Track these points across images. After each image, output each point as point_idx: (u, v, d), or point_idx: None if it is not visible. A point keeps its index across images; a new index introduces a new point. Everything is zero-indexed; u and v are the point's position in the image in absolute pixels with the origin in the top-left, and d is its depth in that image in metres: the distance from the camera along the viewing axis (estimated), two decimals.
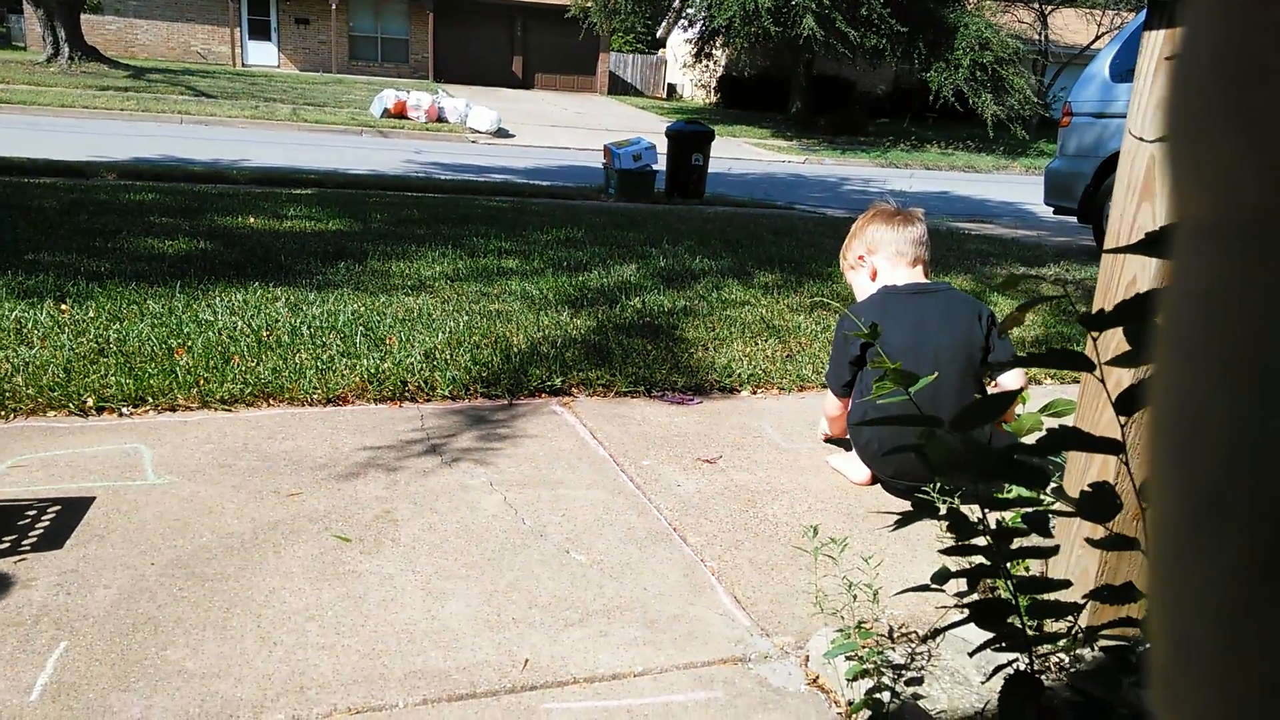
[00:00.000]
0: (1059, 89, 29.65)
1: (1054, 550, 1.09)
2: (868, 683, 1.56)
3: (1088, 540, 1.04)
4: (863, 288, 2.73)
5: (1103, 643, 1.10)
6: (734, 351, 3.48)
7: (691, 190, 10.15)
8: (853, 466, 2.54)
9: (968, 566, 1.10)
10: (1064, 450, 0.79)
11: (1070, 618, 1.08)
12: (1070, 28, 30.59)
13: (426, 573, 1.90)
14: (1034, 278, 4.99)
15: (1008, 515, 1.33)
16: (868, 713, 1.51)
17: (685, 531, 2.17)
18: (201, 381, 2.74)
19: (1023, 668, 1.13)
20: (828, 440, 2.81)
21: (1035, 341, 3.96)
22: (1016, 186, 16.65)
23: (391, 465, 2.41)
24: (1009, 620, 1.06)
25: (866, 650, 1.57)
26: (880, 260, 2.69)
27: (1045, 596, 1.04)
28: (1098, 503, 0.80)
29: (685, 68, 30.10)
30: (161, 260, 4.19)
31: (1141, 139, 1.44)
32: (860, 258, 2.74)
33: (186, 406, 2.67)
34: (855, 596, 1.70)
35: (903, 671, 1.66)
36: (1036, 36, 28.74)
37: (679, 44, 32.12)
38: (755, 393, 3.25)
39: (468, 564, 1.94)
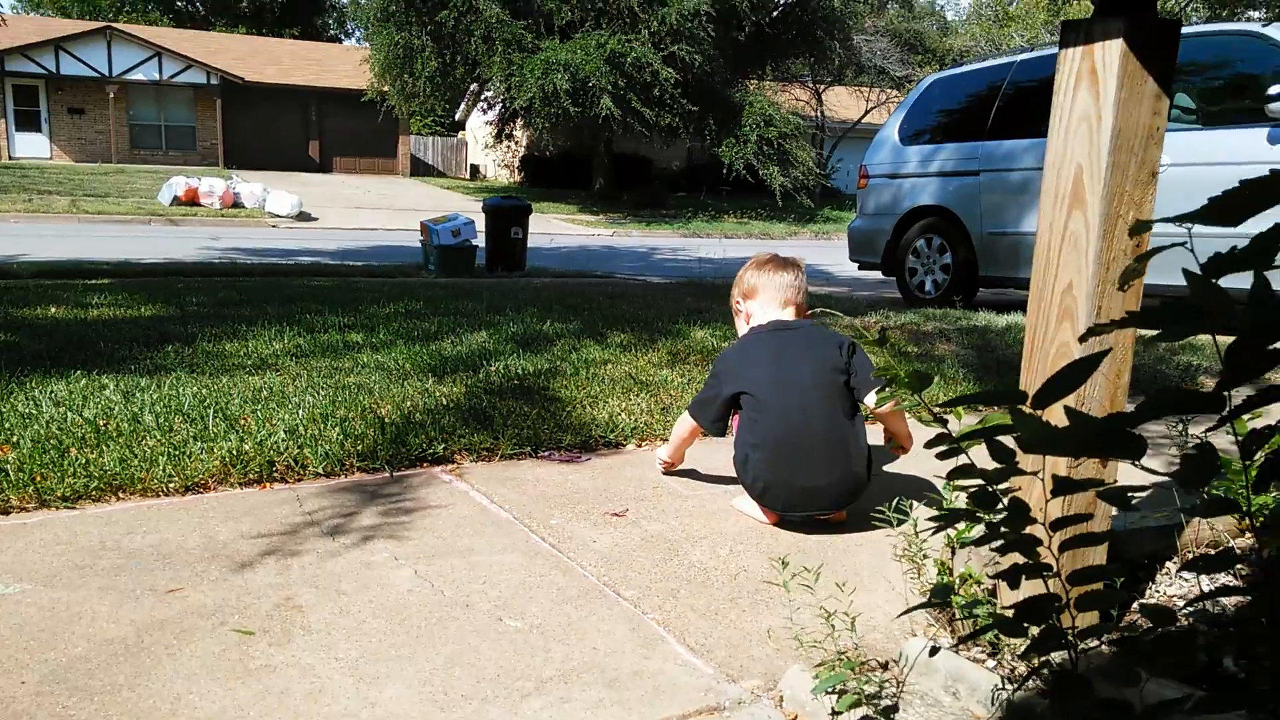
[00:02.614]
0: (836, 160, 31.94)
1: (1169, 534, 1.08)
2: (855, 715, 1.51)
3: (1188, 509, 1.04)
4: (740, 331, 2.78)
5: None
6: (612, 407, 3.42)
7: (514, 263, 10.11)
8: (761, 509, 2.52)
9: (997, 562, 1.08)
10: (1169, 414, 0.77)
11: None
12: (842, 104, 33.12)
13: (351, 658, 1.70)
14: (892, 326, 5.22)
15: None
16: None
17: (617, 586, 2.06)
18: (38, 478, 2.40)
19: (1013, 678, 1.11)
20: (666, 471, 2.87)
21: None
22: (810, 250, 17.62)
23: (279, 550, 2.18)
24: (1055, 616, 1.05)
25: (855, 681, 1.52)
26: (754, 305, 2.75)
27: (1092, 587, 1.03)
28: (1199, 467, 0.79)
29: (487, 148, 30.32)
30: None
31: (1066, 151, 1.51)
32: (736, 303, 2.82)
33: (22, 508, 2.33)
34: (834, 627, 1.66)
35: (876, 701, 1.63)
36: (813, 113, 30.89)
37: (479, 125, 32.37)
38: (640, 445, 3.20)
39: (394, 644, 1.76)
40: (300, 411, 3.05)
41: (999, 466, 1.06)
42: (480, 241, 9.94)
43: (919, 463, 3.09)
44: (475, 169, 36.22)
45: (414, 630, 1.82)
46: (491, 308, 5.73)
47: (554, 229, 19.10)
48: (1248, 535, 1.98)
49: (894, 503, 2.30)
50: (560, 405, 3.41)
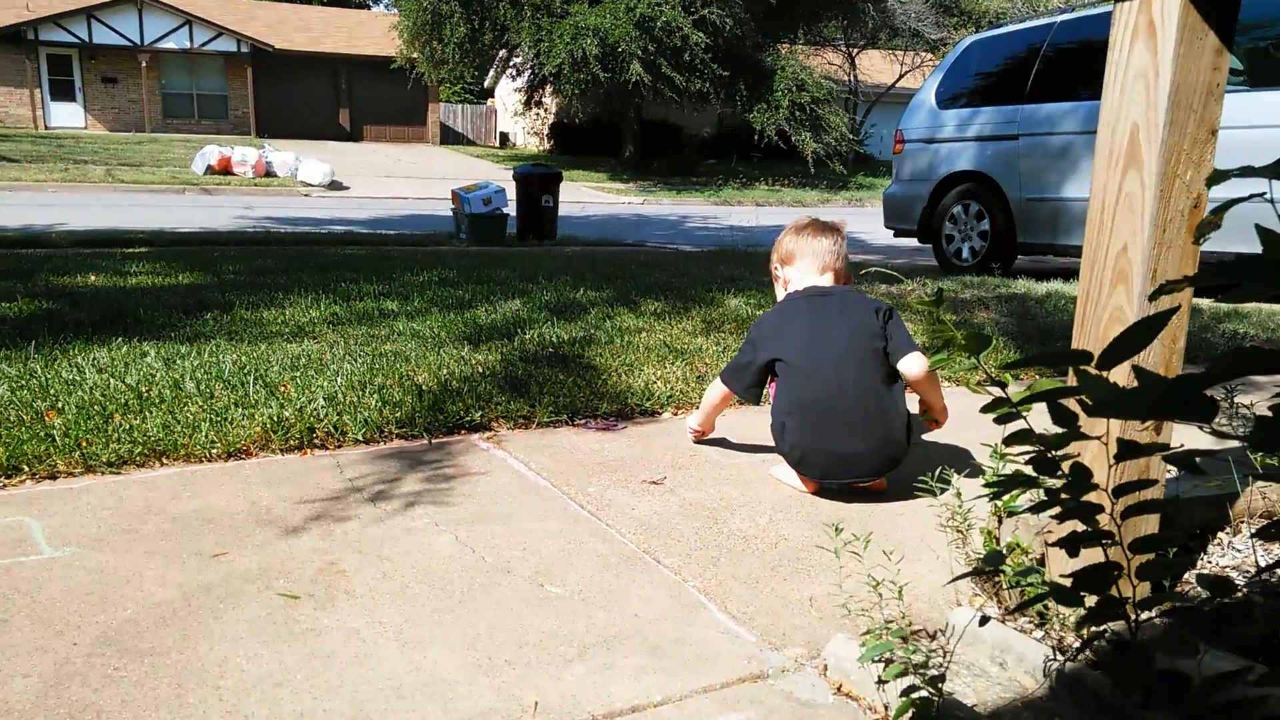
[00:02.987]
0: (870, 125, 31.50)
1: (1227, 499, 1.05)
2: (900, 684, 1.50)
3: (1262, 475, 1.01)
4: (779, 298, 2.76)
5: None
6: (647, 375, 3.41)
7: (544, 231, 10.09)
8: (798, 476, 2.50)
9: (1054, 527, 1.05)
10: (1243, 375, 0.74)
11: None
12: (876, 68, 32.61)
13: (395, 622, 1.71)
14: (940, 297, 5.16)
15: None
16: (910, 714, 1.44)
17: (657, 553, 2.06)
18: (84, 444, 2.43)
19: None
20: (697, 440, 2.85)
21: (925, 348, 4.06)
22: (843, 216, 17.41)
23: (321, 515, 2.19)
24: (1114, 585, 1.02)
25: (903, 650, 1.51)
26: (792, 271, 2.71)
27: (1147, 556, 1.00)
28: (1273, 427, 0.76)
29: (516, 116, 30.19)
30: (2, 323, 3.76)
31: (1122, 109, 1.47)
32: (775, 269, 2.80)
33: (69, 472, 2.36)
34: (881, 595, 1.64)
35: (923, 670, 1.61)
36: (846, 77, 30.45)
37: (508, 93, 32.23)
38: (676, 414, 3.18)
39: (437, 609, 1.77)
40: (339, 379, 3.07)
41: (1058, 431, 1.04)
42: (511, 210, 9.93)
43: (959, 432, 3.05)
44: (504, 137, 36.14)
45: (456, 595, 1.83)
46: (524, 276, 5.72)
47: (584, 197, 19.04)
48: None
49: (936, 472, 2.28)
50: (595, 373, 3.40)
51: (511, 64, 27.11)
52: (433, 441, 2.78)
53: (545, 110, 29.28)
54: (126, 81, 29.83)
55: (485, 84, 36.46)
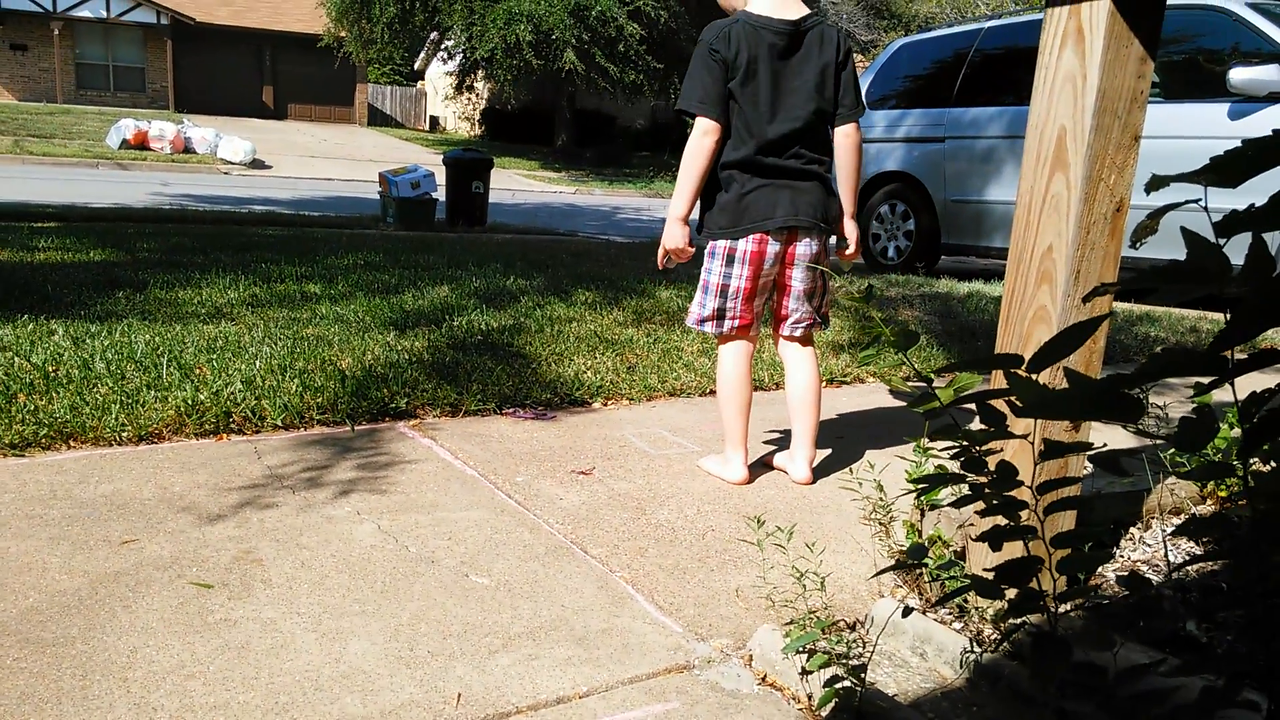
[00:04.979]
0: None
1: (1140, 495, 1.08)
2: (824, 674, 1.51)
3: (1177, 474, 1.03)
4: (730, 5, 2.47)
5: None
6: (578, 365, 3.39)
7: (474, 218, 9.96)
8: (728, 468, 2.51)
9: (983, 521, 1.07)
10: (1169, 376, 0.76)
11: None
12: None
13: (314, 613, 1.67)
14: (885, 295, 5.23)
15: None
16: (832, 704, 1.46)
17: (584, 544, 2.04)
18: None
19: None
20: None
21: (850, 344, 4.13)
22: None
23: (238, 502, 2.13)
24: (1034, 579, 1.04)
25: (826, 642, 1.52)
26: None
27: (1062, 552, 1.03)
28: (1198, 429, 0.78)
29: (447, 100, 29.78)
30: None
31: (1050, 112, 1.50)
32: None
33: None
34: (805, 587, 1.65)
35: (846, 661, 1.63)
36: None
37: (439, 76, 31.76)
38: (606, 404, 3.17)
39: (359, 599, 1.73)
40: (257, 362, 2.98)
41: (984, 429, 1.05)
42: (440, 195, 9.78)
43: (883, 427, 3.10)
44: (435, 121, 35.60)
45: (378, 586, 1.79)
46: (453, 262, 5.64)
47: (515, 185, 18.88)
48: (1209, 503, 2.02)
49: (859, 465, 2.31)
50: (526, 362, 3.36)
51: (443, 47, 26.68)
52: (357, 429, 2.72)
53: (477, 95, 28.94)
54: (38, 49, 28.54)
55: (415, 66, 35.85)
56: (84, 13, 28.62)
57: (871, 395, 3.55)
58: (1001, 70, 7.31)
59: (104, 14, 28.89)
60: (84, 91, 29.19)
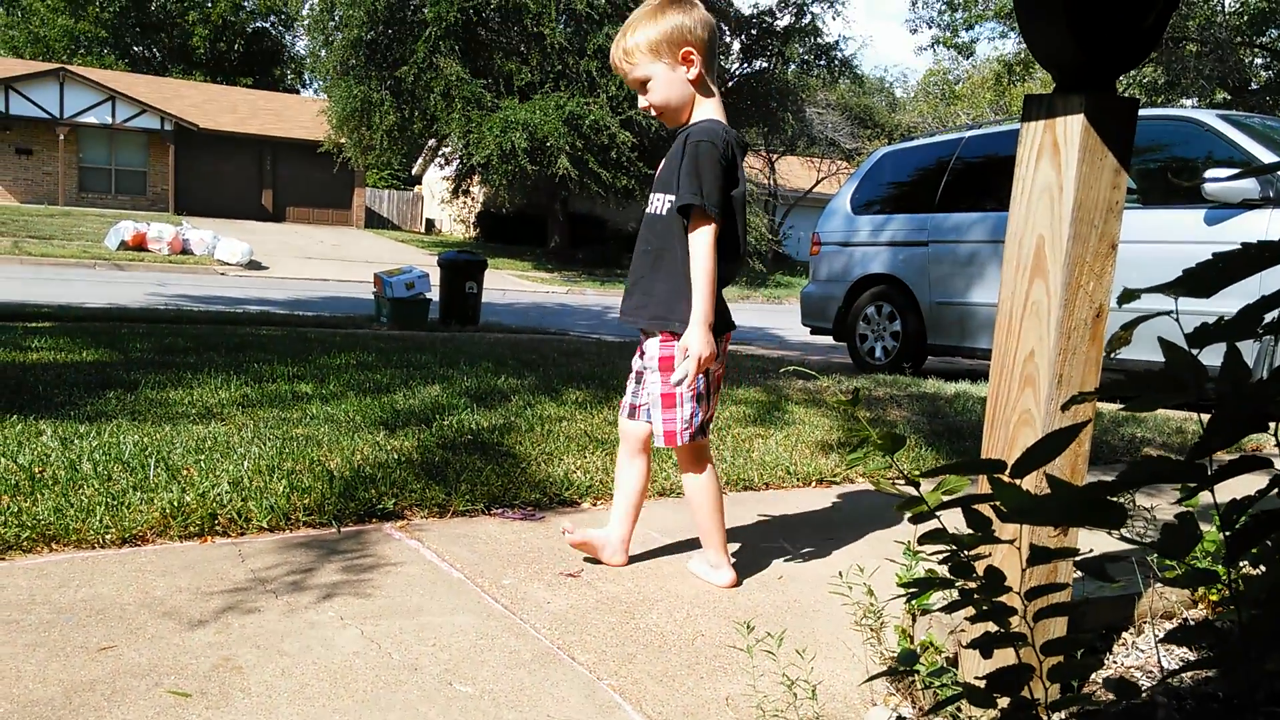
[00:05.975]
0: (788, 226, 32.55)
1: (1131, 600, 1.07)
2: None
3: (1163, 580, 1.03)
4: (682, 96, 2.35)
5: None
6: (568, 464, 3.38)
7: (467, 318, 10.07)
8: (716, 573, 2.49)
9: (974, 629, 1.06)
10: (1150, 483, 0.77)
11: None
12: (795, 173, 33.86)
13: None
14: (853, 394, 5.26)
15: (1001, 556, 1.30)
16: None
17: (572, 650, 2.01)
18: None
19: None
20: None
21: (839, 444, 4.14)
22: (762, 313, 17.87)
23: (219, 607, 2.09)
24: (1025, 687, 1.03)
25: None
26: (703, 70, 2.35)
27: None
28: (1181, 536, 0.78)
29: (443, 203, 30.38)
30: None
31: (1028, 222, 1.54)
32: (689, 54, 2.31)
33: None
34: (796, 695, 1.62)
35: None
36: (766, 181, 31.52)
37: (436, 180, 32.46)
38: (595, 504, 3.15)
39: (339, 709, 1.69)
40: (245, 463, 2.97)
41: (970, 532, 1.06)
42: (434, 295, 9.90)
43: (871, 528, 3.09)
44: (430, 223, 36.22)
45: (360, 694, 1.75)
46: (445, 361, 5.67)
47: (508, 285, 19.11)
48: (1200, 607, 2.00)
49: (848, 568, 2.29)
50: (515, 461, 3.36)
51: (441, 153, 27.40)
52: (343, 530, 2.69)
53: (472, 199, 29.53)
54: (42, 153, 29.19)
55: (413, 171, 36.67)
56: (90, 119, 29.38)
57: (860, 496, 3.54)
58: (983, 177, 7.53)
59: (109, 120, 29.66)
60: (86, 194, 29.72)
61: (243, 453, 3.08)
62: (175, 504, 2.59)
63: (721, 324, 2.36)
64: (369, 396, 4.27)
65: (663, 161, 2.41)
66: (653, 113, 2.40)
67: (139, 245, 17.97)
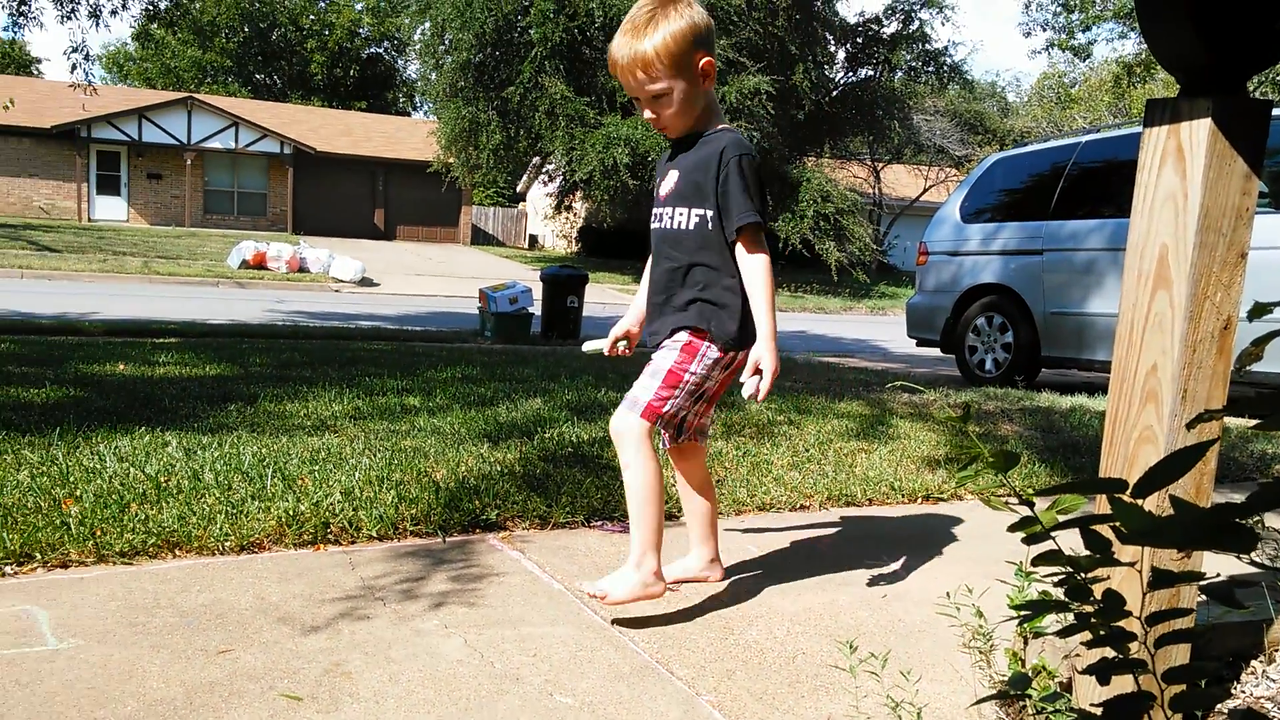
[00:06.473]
0: (894, 236, 31.93)
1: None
2: None
3: None
4: (696, 109, 2.20)
5: None
6: (666, 478, 3.37)
7: (568, 331, 10.19)
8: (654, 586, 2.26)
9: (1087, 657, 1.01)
10: None
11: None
12: (901, 182, 33.21)
13: None
14: (968, 408, 5.13)
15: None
16: None
17: (670, 664, 2.00)
18: (98, 533, 2.42)
19: None
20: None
21: (947, 460, 4.02)
22: (865, 325, 17.56)
23: (331, 613, 2.16)
24: (1145, 716, 0.98)
25: None
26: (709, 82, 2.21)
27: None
28: None
29: (546, 219, 30.88)
30: (30, 409, 3.80)
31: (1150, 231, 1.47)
32: (709, 64, 2.16)
33: (81, 562, 2.34)
34: (900, 718, 1.58)
35: None
36: (871, 190, 31.01)
37: (539, 197, 33.04)
38: None
39: (442, 716, 1.72)
40: (356, 474, 3.06)
41: (1089, 555, 1.01)
42: (536, 309, 10.05)
43: (981, 547, 2.99)
44: (534, 239, 36.86)
45: (463, 702, 1.77)
46: (546, 375, 5.75)
47: (609, 299, 19.27)
48: None
49: (957, 589, 2.22)
50: (615, 474, 3.37)
51: (544, 170, 27.85)
52: (447, 540, 2.75)
53: (575, 214, 29.93)
54: (171, 178, 30.87)
55: (518, 188, 37.40)
56: (215, 144, 30.95)
57: (969, 513, 3.43)
58: (1101, 183, 7.24)
59: (233, 145, 31.18)
60: (210, 215, 31.31)
61: (354, 464, 3.18)
62: (290, 513, 2.69)
63: (746, 339, 2.21)
64: (473, 409, 4.36)
65: (672, 174, 2.26)
66: (659, 125, 2.21)
67: (259, 264, 18.81)
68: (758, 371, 2.12)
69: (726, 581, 2.54)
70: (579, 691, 1.85)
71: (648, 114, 2.20)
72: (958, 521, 3.32)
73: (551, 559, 2.63)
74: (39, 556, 2.31)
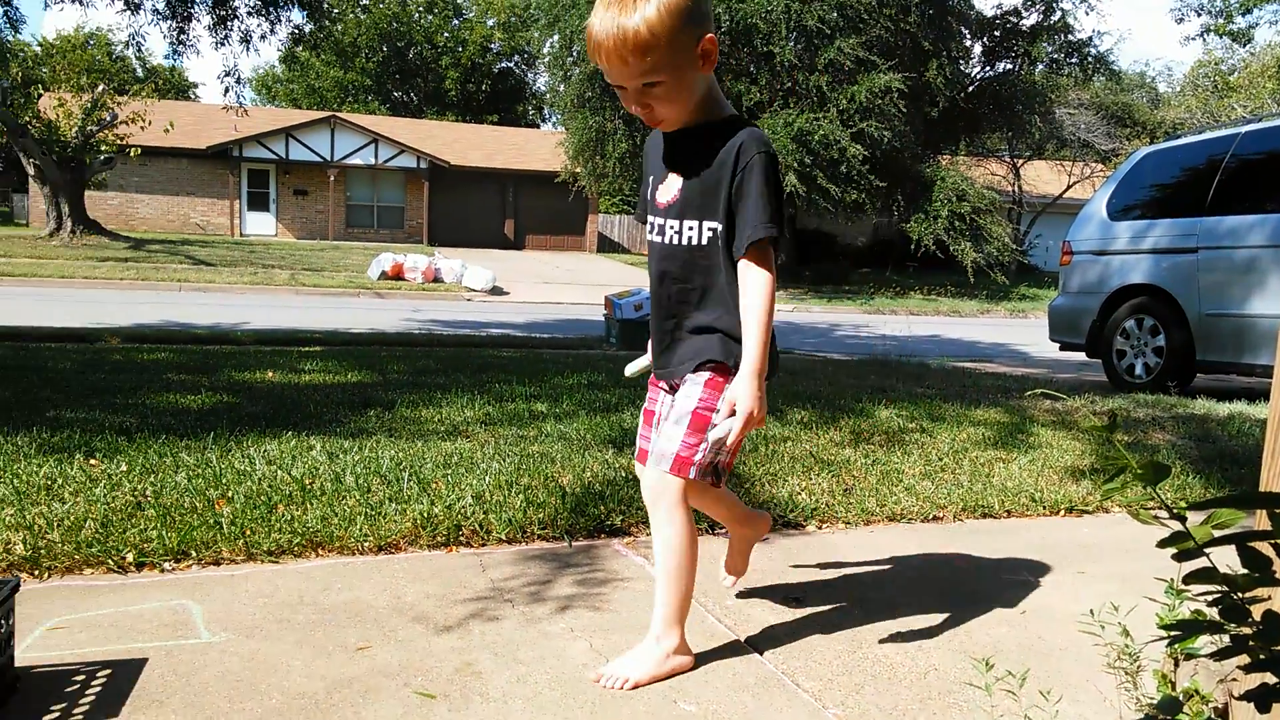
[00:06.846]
0: (1035, 235, 30.68)
1: None
2: None
3: None
4: (694, 98, 1.85)
5: None
6: (792, 486, 3.33)
7: None
8: (661, 646, 2.01)
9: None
10: None
11: None
12: (1042, 178, 31.89)
13: None
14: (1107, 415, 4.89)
15: None
16: None
17: (796, 676, 1.97)
18: (248, 532, 2.56)
19: None
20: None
21: (1092, 470, 3.83)
22: (1003, 329, 16.92)
23: (462, 614, 2.22)
24: None
25: None
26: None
27: None
28: None
29: None
30: (186, 414, 4.06)
31: None
32: (710, 42, 1.80)
33: (231, 559, 2.48)
34: None
35: None
36: (1010, 187, 29.88)
37: None
38: (821, 527, 3.09)
39: (568, 718, 1.74)
40: (487, 478, 3.13)
41: (1247, 574, 0.94)
42: None
43: (1127, 563, 2.83)
44: None
45: (588, 706, 1.79)
46: None
47: None
48: None
49: (1100, 606, 2.10)
50: (739, 482, 3.35)
51: None
52: (573, 544, 2.78)
53: None
54: (316, 193, 32.50)
55: None
56: (356, 160, 32.41)
57: (1116, 526, 3.26)
58: (1263, 176, 6.77)
59: (373, 161, 32.58)
60: (351, 229, 32.80)
61: (484, 468, 3.26)
62: (425, 515, 2.78)
63: (775, 366, 1.96)
64: (598, 415, 4.41)
65: (674, 178, 1.94)
66: (650, 119, 1.87)
67: (397, 275, 19.57)
68: (732, 412, 1.82)
69: (855, 593, 2.48)
70: (703, 700, 1.84)
71: (636, 104, 1.83)
72: (1103, 536, 3.16)
73: None
74: (194, 554, 2.46)
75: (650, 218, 2.00)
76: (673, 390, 2.04)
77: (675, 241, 1.93)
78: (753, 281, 1.83)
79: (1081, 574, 2.72)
